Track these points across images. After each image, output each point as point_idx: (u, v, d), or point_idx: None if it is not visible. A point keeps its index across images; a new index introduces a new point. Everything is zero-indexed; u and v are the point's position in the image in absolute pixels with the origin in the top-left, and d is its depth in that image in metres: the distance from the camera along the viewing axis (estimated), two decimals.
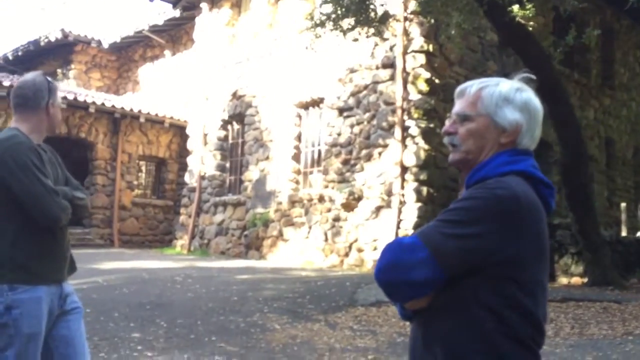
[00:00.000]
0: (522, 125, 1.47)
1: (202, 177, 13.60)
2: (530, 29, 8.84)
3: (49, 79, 2.52)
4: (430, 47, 9.80)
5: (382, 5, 8.44)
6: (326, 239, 10.58)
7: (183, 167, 14.98)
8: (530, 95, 1.50)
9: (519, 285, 1.35)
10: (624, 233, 12.68)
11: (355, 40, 8.45)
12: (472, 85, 1.53)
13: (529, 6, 7.87)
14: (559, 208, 12.33)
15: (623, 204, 13.82)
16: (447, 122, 1.55)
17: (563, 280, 10.05)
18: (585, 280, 9.52)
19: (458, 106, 1.53)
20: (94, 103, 13.69)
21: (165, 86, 16.47)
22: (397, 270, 1.33)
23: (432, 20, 9.48)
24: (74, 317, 2.48)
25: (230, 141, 13.46)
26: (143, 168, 15.68)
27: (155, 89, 16.88)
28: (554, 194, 1.46)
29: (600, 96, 14.68)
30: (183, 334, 5.25)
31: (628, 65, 16.41)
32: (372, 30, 8.56)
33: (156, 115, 14.83)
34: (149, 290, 7.21)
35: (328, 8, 8.09)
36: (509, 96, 1.48)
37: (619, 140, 15.44)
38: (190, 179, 13.98)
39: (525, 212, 1.35)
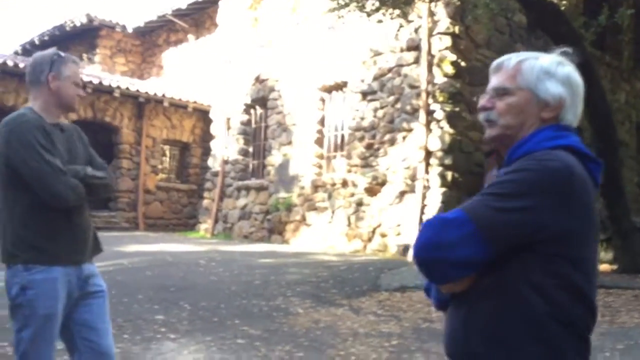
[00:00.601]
0: (565, 99, 1.39)
1: (226, 162, 13.62)
2: (562, 8, 8.58)
3: (60, 53, 2.41)
4: (457, 29, 9.60)
5: None
6: (349, 224, 10.51)
7: (206, 152, 15.01)
8: (571, 70, 1.43)
9: (572, 264, 1.25)
10: None
11: (380, 21, 8.29)
12: (510, 59, 1.45)
13: None
14: None
15: None
16: (482, 100, 1.46)
17: None
18: (615, 267, 9.31)
19: (495, 80, 1.45)
20: (118, 87, 13.75)
21: (189, 71, 16.48)
22: (439, 248, 1.23)
23: (459, 1, 9.28)
24: (98, 301, 2.42)
25: (253, 125, 13.43)
26: (167, 152, 15.76)
27: (178, 74, 16.90)
28: (600, 170, 1.36)
29: (631, 79, 14.28)
30: (206, 317, 5.25)
31: None
32: (396, 11, 8.39)
33: (180, 99, 14.86)
34: (173, 273, 7.24)
35: None
36: (550, 69, 1.40)
37: None
38: (214, 164, 14.00)
39: (578, 185, 1.27)
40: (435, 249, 1.23)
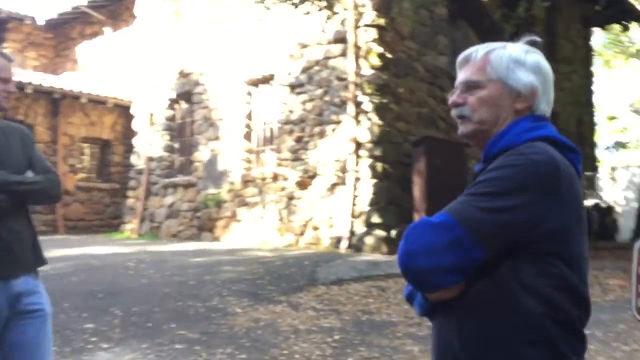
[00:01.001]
0: (537, 88, 1.34)
1: (150, 159, 13.17)
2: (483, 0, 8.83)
3: None
4: (382, 21, 9.69)
5: None
6: (281, 218, 10.43)
7: (129, 149, 14.45)
8: (540, 57, 1.38)
9: (565, 262, 1.21)
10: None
11: (307, 13, 8.25)
12: (477, 50, 1.39)
13: None
14: None
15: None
16: (451, 96, 1.40)
17: None
18: None
19: (463, 74, 1.39)
20: (30, 83, 12.98)
21: (107, 65, 15.78)
22: (428, 255, 1.16)
23: None
24: (33, 321, 2.19)
25: (178, 121, 13.05)
26: (86, 151, 15.05)
27: (96, 68, 16.15)
28: (580, 160, 1.33)
29: None
30: (140, 322, 5.03)
31: (570, 38, 16.78)
32: (323, 3, 8.36)
33: (98, 95, 14.21)
34: (100, 277, 6.91)
35: None
36: (519, 58, 1.35)
37: (563, 112, 15.80)
38: (137, 161, 13.52)
39: (564, 178, 1.22)
40: (424, 255, 1.16)
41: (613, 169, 18.27)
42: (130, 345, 4.39)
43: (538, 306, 1.18)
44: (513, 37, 8.79)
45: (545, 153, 1.22)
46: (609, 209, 13.45)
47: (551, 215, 1.19)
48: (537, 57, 1.37)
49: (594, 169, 17.35)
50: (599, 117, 23.47)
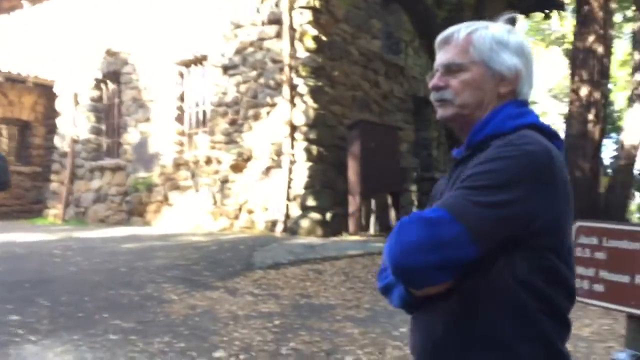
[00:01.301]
0: (521, 70, 1.29)
1: (75, 141, 12.61)
2: None
3: None
4: (317, 3, 9.62)
5: None
6: (215, 202, 10.27)
7: (51, 131, 13.77)
8: (522, 38, 1.33)
9: (557, 255, 1.18)
10: None
11: None
12: (459, 30, 1.31)
13: None
14: (436, 163, 12.94)
15: None
16: (431, 79, 1.34)
17: None
18: None
19: (444, 56, 1.32)
20: None
21: (26, 42, 14.91)
22: (424, 252, 1.10)
23: None
24: None
25: (105, 102, 12.54)
26: (4, 132, 14.23)
27: (13, 45, 15.22)
28: (563, 147, 1.30)
29: None
30: (69, 312, 4.82)
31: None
32: None
33: (18, 74, 13.43)
34: (25, 266, 6.57)
35: None
36: (503, 39, 1.29)
37: None
38: (61, 143, 12.91)
39: (557, 168, 1.18)
40: (419, 252, 1.11)
41: None
42: (61, 337, 4.20)
43: (532, 301, 1.16)
44: (445, 22, 8.93)
45: (538, 143, 1.18)
46: None
47: (546, 208, 1.16)
48: (519, 38, 1.32)
49: None
50: None
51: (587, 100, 11.11)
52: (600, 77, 11.10)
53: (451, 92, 1.29)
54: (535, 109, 33.14)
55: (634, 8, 18.56)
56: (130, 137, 11.66)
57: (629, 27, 23.64)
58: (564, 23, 26.37)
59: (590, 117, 11.22)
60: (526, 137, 1.19)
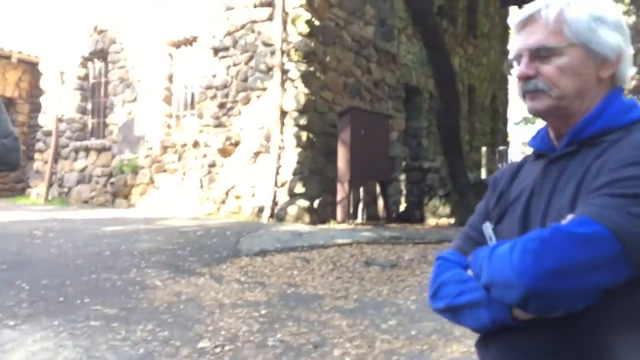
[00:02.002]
0: (624, 50, 1.12)
1: (60, 120, 12.36)
2: None
3: None
4: None
5: None
6: (202, 186, 10.13)
7: (36, 109, 13.52)
8: (618, 12, 1.17)
9: None
10: (483, 175, 13.56)
11: None
12: (547, 6, 1.13)
13: None
14: (426, 152, 12.87)
15: (483, 148, 14.74)
16: (510, 66, 1.18)
17: (431, 221, 10.53)
18: (452, 221, 10.03)
19: (530, 38, 1.13)
20: None
21: (11, 17, 14.58)
22: (574, 275, 0.92)
23: None
24: None
25: (91, 80, 12.29)
26: None
27: None
28: None
29: (464, 44, 15.29)
30: (50, 296, 4.70)
31: (489, 15, 17.23)
32: None
33: (1, 49, 13.12)
34: (4, 247, 6.42)
35: None
36: (601, 14, 1.12)
37: (480, 88, 16.31)
38: (46, 122, 12.65)
39: None
40: (570, 275, 0.93)
41: (524, 143, 19.13)
42: (40, 322, 4.08)
43: None
44: (439, 11, 8.80)
45: None
46: None
47: None
48: (616, 12, 1.15)
49: (506, 143, 18.10)
50: (511, 93, 24.37)
51: None
52: None
53: (546, 82, 1.12)
54: None
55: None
56: (117, 117, 11.45)
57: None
58: None
59: None
60: None
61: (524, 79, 1.14)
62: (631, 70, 1.14)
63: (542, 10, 1.13)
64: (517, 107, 30.86)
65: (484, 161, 14.42)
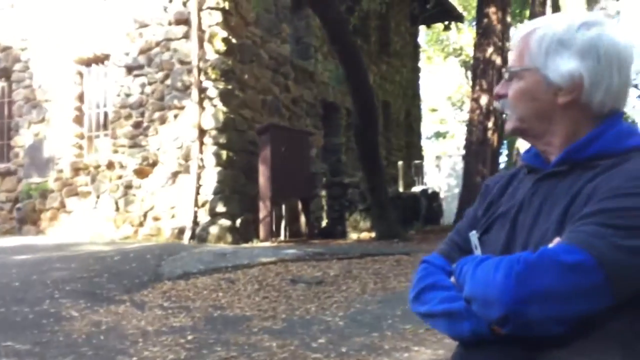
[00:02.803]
0: (582, 77, 1.07)
1: None
2: None
3: None
4: (227, 5, 9.41)
5: None
6: (117, 209, 9.75)
7: None
8: (602, 32, 1.09)
9: None
10: (400, 189, 13.93)
11: None
12: (524, 27, 1.15)
13: None
14: (345, 168, 13.07)
15: (399, 163, 15.16)
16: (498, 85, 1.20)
17: (353, 236, 10.68)
18: (373, 234, 10.22)
19: (510, 58, 1.17)
20: None
21: None
22: (555, 302, 0.93)
23: None
24: None
25: None
26: None
27: None
28: None
29: (378, 62, 15.71)
30: None
31: (400, 34, 17.82)
32: None
33: None
34: None
35: None
36: (565, 38, 1.09)
37: (394, 104, 16.79)
38: None
39: None
40: (550, 301, 0.93)
41: (438, 157, 19.85)
42: None
43: None
44: (358, 29, 8.96)
45: None
46: (435, 195, 14.56)
47: None
48: (595, 33, 1.09)
49: (421, 157, 18.71)
50: (423, 109, 25.31)
51: (486, 109, 11.66)
52: None
53: (507, 103, 1.15)
54: (436, 116, 34.59)
55: (525, 21, 19.84)
56: (23, 139, 10.83)
57: None
58: (461, 35, 27.73)
59: (490, 124, 11.79)
60: None
61: (497, 98, 1.18)
62: (609, 97, 1.09)
63: (517, 32, 1.17)
64: (429, 123, 32.07)
65: (400, 175, 14.82)
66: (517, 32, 1.16)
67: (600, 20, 1.11)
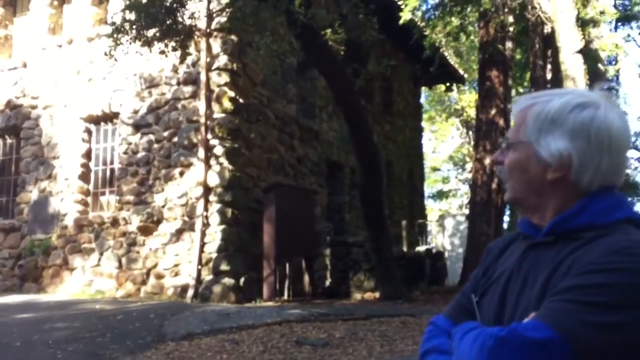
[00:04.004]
0: (571, 156, 1.10)
1: None
2: (342, 53, 9.15)
3: None
4: (235, 66, 9.64)
5: (189, 18, 8.03)
6: (120, 266, 9.68)
7: None
8: (595, 114, 1.11)
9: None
10: (404, 248, 13.85)
11: (163, 52, 7.90)
12: (523, 102, 1.19)
13: (340, 31, 8.13)
14: (349, 227, 13.04)
15: (403, 222, 15.13)
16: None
17: (357, 295, 10.54)
18: (377, 295, 10.08)
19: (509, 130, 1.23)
20: None
21: None
22: None
23: (236, 38, 9.35)
24: None
25: (0, 157, 11.69)
26: None
27: None
28: None
29: (381, 122, 15.93)
30: None
31: (403, 95, 18.15)
32: (176, 43, 8.09)
33: None
34: None
35: (131, 15, 7.41)
36: (558, 117, 1.12)
37: (397, 163, 16.92)
38: None
39: None
40: None
41: (441, 216, 19.82)
42: None
43: None
44: (362, 90, 9.15)
45: None
46: (440, 255, 14.46)
47: None
48: (588, 114, 1.11)
49: (424, 216, 18.70)
50: (426, 168, 25.47)
51: (490, 170, 11.73)
52: None
53: (503, 172, 1.19)
54: (438, 175, 34.68)
55: (526, 85, 20.22)
56: (28, 195, 10.88)
57: None
58: (462, 96, 28.23)
59: (494, 185, 11.83)
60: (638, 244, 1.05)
61: (496, 163, 1.22)
62: (598, 176, 1.11)
63: (518, 103, 1.20)
64: (431, 181, 32.23)
65: (404, 234, 14.76)
66: (517, 103, 1.20)
67: (597, 101, 1.12)
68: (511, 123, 1.24)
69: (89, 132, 10.64)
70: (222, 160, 9.29)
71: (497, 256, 1.27)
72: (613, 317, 0.97)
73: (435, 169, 33.73)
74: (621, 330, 0.97)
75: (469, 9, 11.05)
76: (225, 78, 9.50)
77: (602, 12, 12.88)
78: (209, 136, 9.33)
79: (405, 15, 10.17)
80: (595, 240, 1.07)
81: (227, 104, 9.43)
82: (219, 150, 9.31)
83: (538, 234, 1.17)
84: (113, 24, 7.55)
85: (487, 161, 11.77)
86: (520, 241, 1.24)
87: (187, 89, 9.69)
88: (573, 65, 7.62)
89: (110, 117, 10.42)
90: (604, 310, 0.98)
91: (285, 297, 9.76)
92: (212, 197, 9.21)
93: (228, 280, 8.85)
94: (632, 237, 1.07)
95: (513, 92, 22.69)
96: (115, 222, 9.86)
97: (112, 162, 10.44)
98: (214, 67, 9.51)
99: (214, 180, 9.24)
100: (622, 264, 1.01)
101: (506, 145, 1.19)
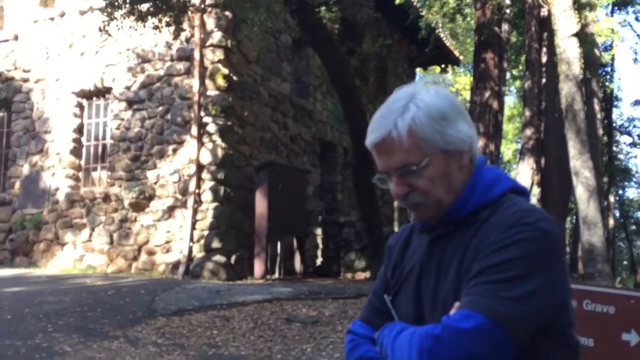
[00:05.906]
0: (472, 132, 1.18)
1: None
2: (337, 31, 9.08)
3: None
4: (229, 43, 9.56)
5: None
6: (112, 242, 9.69)
7: None
8: (448, 92, 1.20)
9: (571, 326, 1.14)
10: (396, 229, 13.91)
11: (157, 27, 7.82)
12: (396, 127, 1.13)
13: (334, 9, 8.05)
14: (341, 207, 13.07)
15: (395, 203, 15.18)
16: (382, 182, 1.20)
17: (348, 275, 10.61)
18: (368, 274, 10.16)
19: (394, 160, 1.14)
20: None
21: None
22: None
23: (231, 15, 9.25)
24: None
25: None
26: None
27: None
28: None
29: (375, 102, 15.85)
30: None
31: (397, 75, 18.06)
32: (170, 18, 8.01)
33: None
34: None
35: None
36: (442, 113, 1.15)
37: None
38: None
39: (560, 240, 1.12)
40: None
41: None
42: None
43: None
44: (357, 70, 9.12)
45: (547, 218, 1.10)
46: None
47: (563, 285, 1.11)
48: (444, 93, 1.18)
49: None
50: None
51: (482, 152, 11.74)
52: (494, 130, 11.83)
53: (420, 196, 1.16)
54: None
55: (520, 68, 20.18)
56: (20, 169, 10.82)
57: (515, 85, 25.63)
58: (457, 78, 28.14)
59: None
60: (533, 212, 1.11)
61: (401, 197, 1.17)
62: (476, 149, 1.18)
63: (392, 132, 1.14)
64: None
65: (396, 215, 14.81)
66: (384, 133, 1.15)
67: (436, 86, 1.20)
68: (376, 156, 1.18)
69: (80, 107, 10.56)
70: (215, 137, 9.26)
71: (400, 252, 1.28)
72: (527, 286, 1.03)
73: None
74: (537, 295, 1.03)
75: None
76: (219, 55, 9.42)
77: None
78: (202, 113, 9.28)
79: None
80: (489, 218, 1.12)
81: (221, 81, 9.37)
82: (212, 127, 9.27)
83: (436, 226, 1.20)
84: None
85: (480, 144, 11.79)
86: (419, 235, 1.26)
87: (181, 66, 9.62)
88: (568, 49, 7.60)
89: (102, 92, 10.34)
90: (520, 282, 1.03)
91: (276, 275, 9.81)
92: (204, 175, 9.20)
93: (219, 258, 8.88)
94: (521, 207, 1.12)
95: (508, 74, 22.72)
96: (106, 198, 9.84)
97: (104, 138, 10.38)
98: (207, 43, 9.43)
99: (206, 157, 9.22)
100: (521, 234, 1.06)
101: (413, 170, 1.14)
